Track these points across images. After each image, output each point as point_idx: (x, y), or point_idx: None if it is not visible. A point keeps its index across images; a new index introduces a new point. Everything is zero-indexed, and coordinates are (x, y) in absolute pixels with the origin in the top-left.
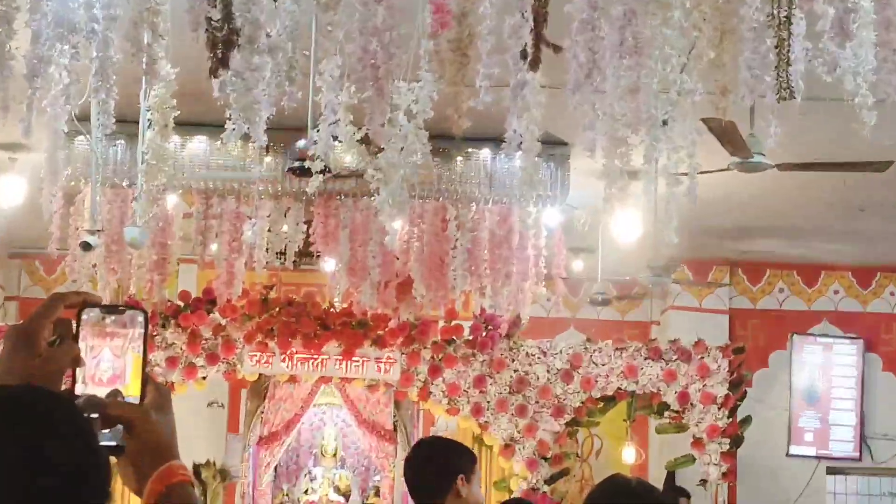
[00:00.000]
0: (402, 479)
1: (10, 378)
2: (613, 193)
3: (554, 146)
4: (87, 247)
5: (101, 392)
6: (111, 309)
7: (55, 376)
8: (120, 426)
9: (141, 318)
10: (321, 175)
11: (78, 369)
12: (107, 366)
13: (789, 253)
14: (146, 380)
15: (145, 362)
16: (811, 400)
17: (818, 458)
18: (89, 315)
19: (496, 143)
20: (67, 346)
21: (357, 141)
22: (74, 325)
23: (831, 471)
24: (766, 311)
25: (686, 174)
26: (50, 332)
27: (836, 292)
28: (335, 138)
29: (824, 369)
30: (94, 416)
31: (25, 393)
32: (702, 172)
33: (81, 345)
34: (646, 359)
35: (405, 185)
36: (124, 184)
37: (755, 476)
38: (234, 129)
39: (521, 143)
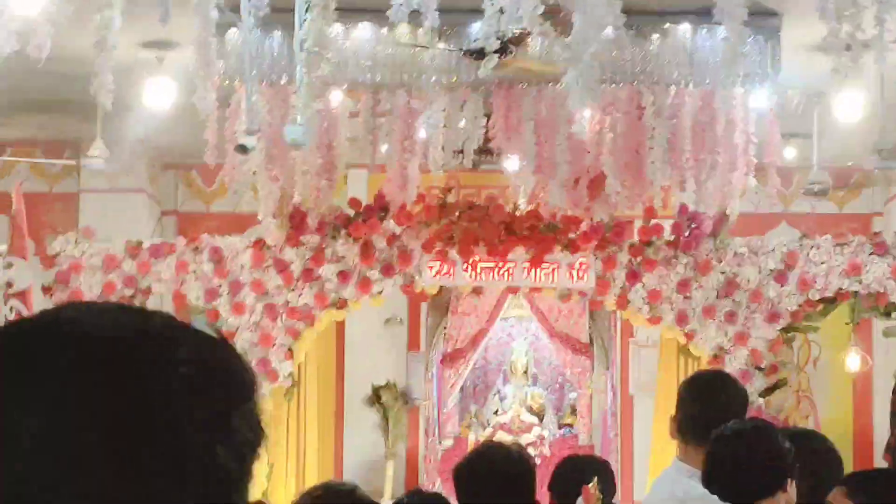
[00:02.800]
0: (595, 394)
1: None
2: (842, 63)
3: (763, 17)
4: (243, 150)
5: None
6: None
7: None
8: None
9: None
10: (499, 56)
11: None
12: None
13: None
14: None
15: None
16: None
17: None
18: None
19: (696, 16)
20: None
21: (541, 16)
22: None
23: None
24: None
25: None
26: None
27: None
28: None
29: None
30: None
31: None
32: None
33: None
34: (870, 254)
35: (596, 64)
36: (283, 81)
37: None
38: (401, 5)
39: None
